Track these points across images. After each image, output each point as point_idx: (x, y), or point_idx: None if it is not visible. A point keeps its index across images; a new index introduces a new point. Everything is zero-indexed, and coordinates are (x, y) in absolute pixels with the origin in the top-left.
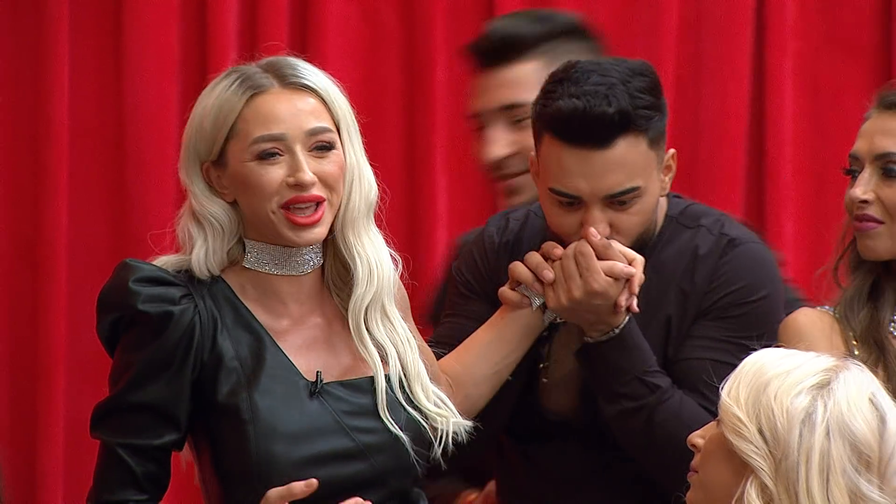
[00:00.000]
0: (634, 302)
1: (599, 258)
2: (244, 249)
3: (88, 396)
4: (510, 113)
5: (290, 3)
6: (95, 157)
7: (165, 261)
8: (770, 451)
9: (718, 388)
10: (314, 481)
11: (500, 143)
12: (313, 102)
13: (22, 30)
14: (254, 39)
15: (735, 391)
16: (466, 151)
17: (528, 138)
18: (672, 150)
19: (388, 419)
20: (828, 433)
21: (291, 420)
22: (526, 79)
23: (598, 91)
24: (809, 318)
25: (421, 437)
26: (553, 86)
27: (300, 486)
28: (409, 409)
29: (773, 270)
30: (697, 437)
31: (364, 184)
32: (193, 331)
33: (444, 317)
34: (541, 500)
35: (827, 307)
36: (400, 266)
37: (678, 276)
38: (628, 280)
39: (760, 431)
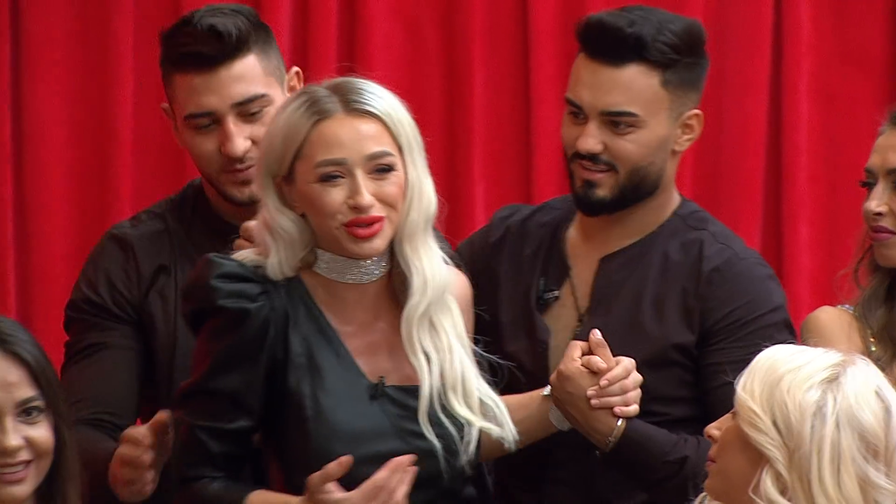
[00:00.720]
0: (631, 409)
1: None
2: (316, 255)
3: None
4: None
5: (338, 21)
6: (158, 167)
7: (246, 255)
8: (784, 442)
9: None
10: (346, 458)
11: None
12: (374, 127)
13: (91, 46)
14: (305, 54)
15: (750, 386)
16: (503, 159)
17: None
18: (698, 111)
19: (426, 427)
20: (837, 425)
21: (351, 421)
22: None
23: (630, 17)
24: (830, 316)
25: (455, 443)
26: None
27: (334, 467)
28: (443, 416)
29: (777, 287)
30: (714, 429)
31: (424, 199)
32: (268, 327)
33: None
34: None
35: (846, 306)
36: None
37: (684, 273)
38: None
39: (775, 424)
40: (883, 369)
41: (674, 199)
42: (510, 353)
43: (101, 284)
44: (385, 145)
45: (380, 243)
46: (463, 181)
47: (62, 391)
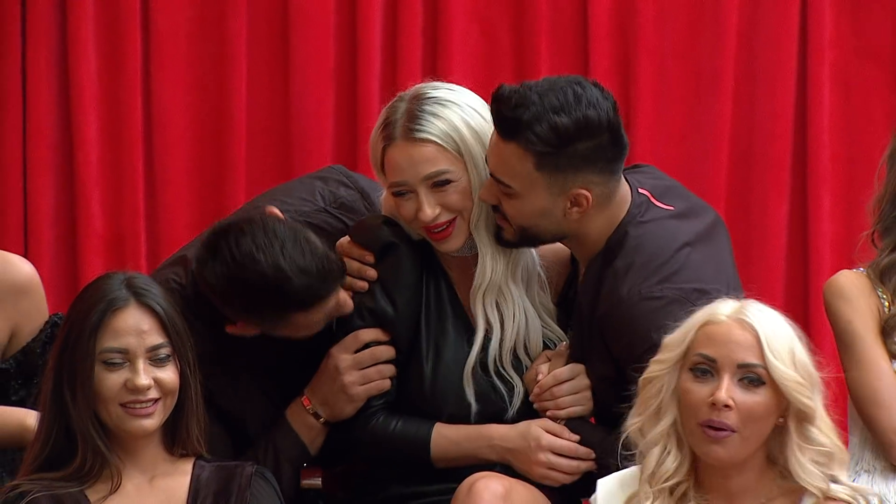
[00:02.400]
0: (562, 413)
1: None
2: None
3: None
4: None
5: (423, 23)
6: (267, 149)
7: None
8: (812, 395)
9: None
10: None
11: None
12: (430, 150)
13: (209, 43)
14: (394, 54)
15: (780, 359)
16: None
17: None
18: (585, 192)
19: (468, 381)
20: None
21: (460, 364)
22: None
23: (523, 97)
24: (849, 278)
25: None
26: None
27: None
28: (505, 370)
29: (650, 321)
30: (729, 400)
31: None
32: (419, 264)
33: None
34: None
35: (861, 269)
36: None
37: (593, 312)
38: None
39: (811, 388)
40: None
41: (598, 232)
42: None
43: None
44: (440, 165)
45: (454, 243)
46: None
47: (189, 340)
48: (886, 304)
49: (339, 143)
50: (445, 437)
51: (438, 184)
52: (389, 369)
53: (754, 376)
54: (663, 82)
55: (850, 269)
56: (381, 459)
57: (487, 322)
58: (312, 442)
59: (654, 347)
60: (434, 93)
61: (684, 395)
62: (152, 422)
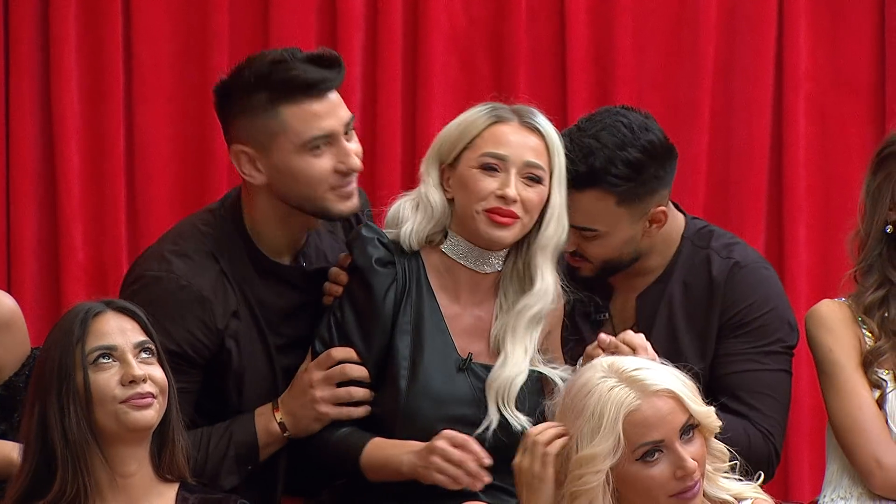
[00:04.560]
0: None
1: None
2: (445, 236)
3: None
4: None
5: (402, 54)
6: None
7: (388, 231)
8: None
9: (757, 396)
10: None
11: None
12: (539, 143)
13: (190, 76)
14: (374, 84)
15: (699, 405)
16: None
17: None
18: (663, 208)
19: (492, 401)
20: None
21: (439, 385)
22: None
23: (585, 146)
24: (830, 308)
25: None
26: (570, 129)
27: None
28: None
29: (773, 287)
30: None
31: (561, 223)
32: (391, 291)
33: None
34: None
35: (843, 299)
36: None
37: (702, 294)
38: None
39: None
40: (883, 355)
41: (676, 227)
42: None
43: (181, 337)
44: (542, 161)
45: (509, 237)
46: None
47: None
48: (869, 337)
49: None
50: (377, 444)
51: (531, 177)
52: (361, 392)
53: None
54: None
55: (830, 298)
56: (316, 460)
57: (525, 350)
58: (265, 447)
59: (775, 308)
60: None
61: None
62: (151, 414)
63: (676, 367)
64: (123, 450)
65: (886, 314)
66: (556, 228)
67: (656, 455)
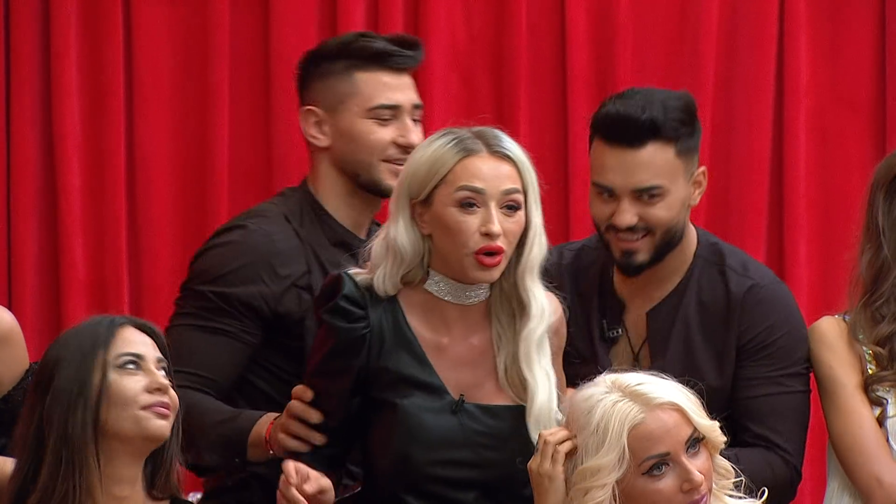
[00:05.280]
0: None
1: None
2: (426, 273)
3: None
4: None
5: None
6: (250, 195)
7: (356, 273)
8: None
9: (779, 419)
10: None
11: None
12: (510, 169)
13: (192, 86)
14: None
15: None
16: (543, 189)
17: None
18: (703, 168)
19: (535, 432)
20: None
21: (429, 430)
22: None
23: (638, 103)
24: (830, 325)
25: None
26: (608, 99)
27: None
28: (533, 431)
29: (791, 306)
30: (697, 476)
31: (542, 242)
32: (364, 344)
33: None
34: None
35: (843, 315)
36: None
37: (719, 313)
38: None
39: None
40: (885, 378)
41: (692, 240)
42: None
43: (249, 283)
44: (517, 185)
45: (496, 273)
46: None
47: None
48: (869, 355)
49: None
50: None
51: (510, 206)
52: (315, 436)
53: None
54: None
55: (830, 314)
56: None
57: (546, 374)
58: (252, 447)
59: (797, 335)
60: (498, 131)
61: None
62: (166, 426)
63: (679, 381)
64: (121, 464)
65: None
66: (540, 248)
67: (663, 469)
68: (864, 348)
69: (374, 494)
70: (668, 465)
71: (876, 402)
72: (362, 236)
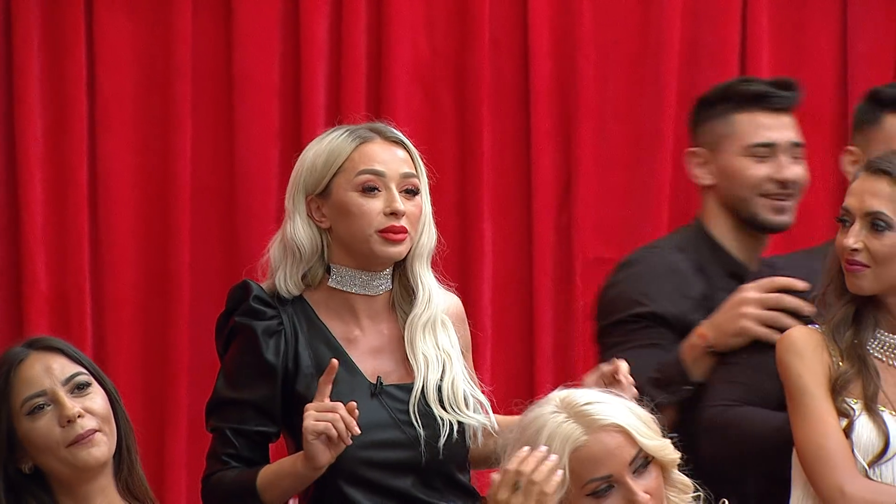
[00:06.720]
0: None
1: None
2: (327, 271)
3: (207, 396)
4: None
5: (366, 85)
6: (212, 209)
7: (262, 285)
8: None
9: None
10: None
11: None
12: (405, 154)
13: (153, 106)
14: (338, 115)
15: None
16: (507, 202)
17: None
18: None
19: (415, 417)
20: None
21: (357, 414)
22: None
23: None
24: (802, 334)
25: (441, 432)
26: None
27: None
28: (436, 408)
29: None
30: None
31: (432, 230)
32: (280, 342)
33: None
34: None
35: (815, 325)
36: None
37: None
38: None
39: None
40: (850, 382)
41: None
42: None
43: (657, 301)
44: (413, 170)
45: (403, 251)
46: (473, 221)
47: (106, 376)
48: (840, 362)
49: (283, 204)
50: (268, 466)
51: (409, 191)
52: (789, 321)
53: (643, 462)
54: (604, 143)
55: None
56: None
57: (425, 358)
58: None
59: None
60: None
61: None
62: (101, 450)
63: (636, 399)
64: (79, 485)
65: (856, 340)
66: (430, 236)
67: (608, 491)
68: (834, 358)
69: (322, 494)
70: (612, 486)
71: (843, 412)
72: (753, 269)
